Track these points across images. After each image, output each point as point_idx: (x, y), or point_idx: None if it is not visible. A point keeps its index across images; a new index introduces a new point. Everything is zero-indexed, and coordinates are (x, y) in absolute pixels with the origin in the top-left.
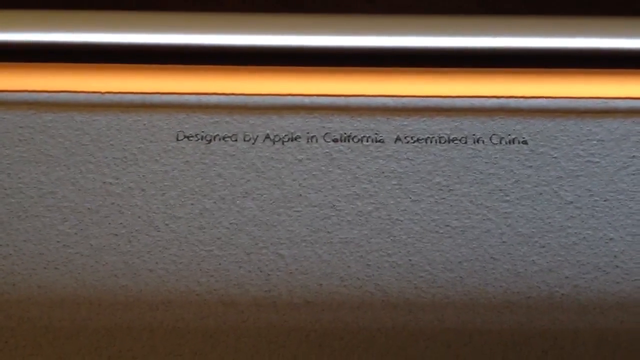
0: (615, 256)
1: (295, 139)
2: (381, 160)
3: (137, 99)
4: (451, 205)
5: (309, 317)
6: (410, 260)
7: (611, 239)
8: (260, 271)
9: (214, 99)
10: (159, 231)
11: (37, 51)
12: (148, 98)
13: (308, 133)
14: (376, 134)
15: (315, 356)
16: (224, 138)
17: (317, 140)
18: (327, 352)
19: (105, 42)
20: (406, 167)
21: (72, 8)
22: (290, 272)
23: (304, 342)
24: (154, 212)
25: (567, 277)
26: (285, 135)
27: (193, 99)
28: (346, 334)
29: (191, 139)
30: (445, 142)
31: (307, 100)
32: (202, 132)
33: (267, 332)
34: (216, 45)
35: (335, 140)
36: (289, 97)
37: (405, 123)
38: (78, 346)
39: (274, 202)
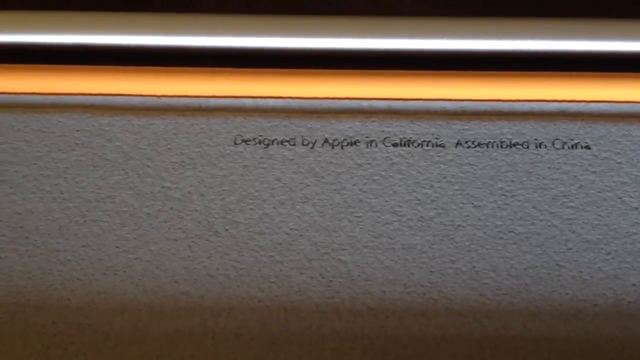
0: None
1: (355, 143)
2: (442, 165)
3: (194, 102)
4: (514, 211)
5: (372, 324)
6: (474, 267)
7: None
8: (322, 277)
9: (271, 103)
10: (218, 236)
11: (94, 54)
12: (205, 101)
13: (367, 137)
14: (436, 138)
15: None
16: (282, 142)
17: (376, 145)
18: (390, 359)
19: (162, 45)
20: (468, 172)
21: (131, 9)
22: (353, 279)
23: (368, 350)
24: (214, 217)
25: (633, 285)
26: (344, 140)
27: (250, 102)
28: (410, 341)
29: (249, 142)
30: (507, 146)
31: (365, 103)
32: (260, 135)
33: (331, 339)
34: (274, 48)
35: (395, 145)
36: (347, 100)
37: (465, 127)
38: (139, 353)
39: (334, 207)
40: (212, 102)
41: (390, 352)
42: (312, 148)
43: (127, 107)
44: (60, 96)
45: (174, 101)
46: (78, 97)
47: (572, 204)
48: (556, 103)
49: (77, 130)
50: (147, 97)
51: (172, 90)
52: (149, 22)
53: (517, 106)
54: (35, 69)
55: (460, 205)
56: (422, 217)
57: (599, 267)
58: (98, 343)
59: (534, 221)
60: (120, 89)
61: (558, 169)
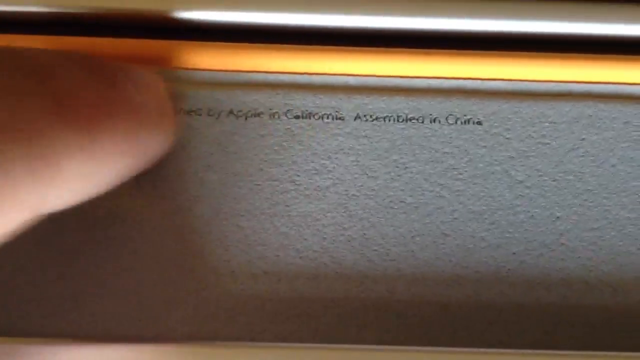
0: (561, 234)
1: (258, 114)
2: (341, 137)
3: None
4: (406, 182)
5: (265, 287)
6: (364, 234)
7: (558, 217)
8: (220, 242)
9: (178, 74)
10: None
11: None
12: None
13: (271, 109)
14: (337, 111)
15: (269, 323)
16: (189, 112)
17: (279, 117)
18: (281, 319)
19: (32, 11)
20: (364, 144)
21: None
22: (249, 244)
23: (260, 310)
24: None
25: (514, 254)
26: (249, 111)
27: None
28: (301, 303)
29: None
30: (402, 120)
31: (270, 77)
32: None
33: (225, 300)
34: (181, 19)
35: (296, 117)
36: (253, 73)
37: (365, 101)
38: None
39: (236, 175)
40: None
41: (280, 313)
42: (217, 118)
43: None
44: None
45: None
46: None
47: (461, 176)
48: (453, 80)
49: None
50: None
51: None
52: None
53: (415, 82)
54: None
55: (355, 175)
56: (318, 186)
57: (482, 236)
58: None
59: (424, 192)
60: None
61: (450, 143)
